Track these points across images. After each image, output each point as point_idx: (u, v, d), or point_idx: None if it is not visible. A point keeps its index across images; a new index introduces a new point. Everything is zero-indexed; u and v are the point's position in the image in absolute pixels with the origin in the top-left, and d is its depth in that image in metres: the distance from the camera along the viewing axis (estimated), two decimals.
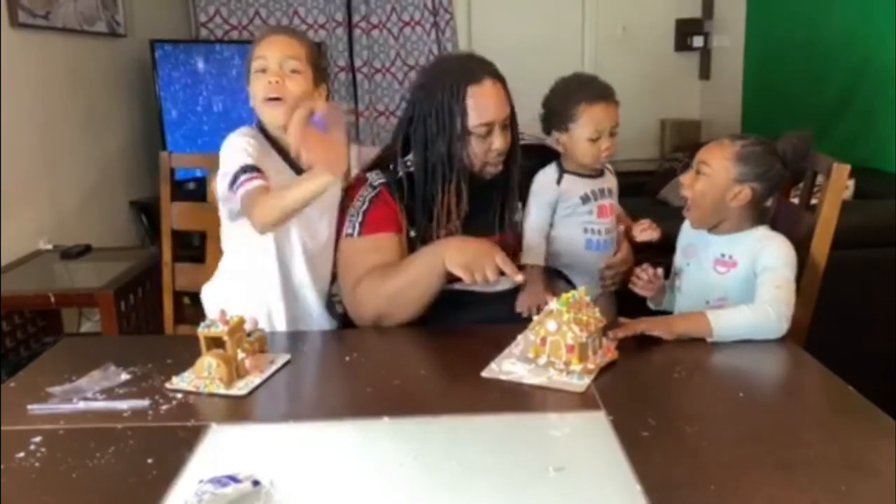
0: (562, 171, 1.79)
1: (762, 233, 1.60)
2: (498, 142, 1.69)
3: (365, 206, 1.73)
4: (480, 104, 1.67)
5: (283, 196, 1.50)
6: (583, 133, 1.72)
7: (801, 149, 1.62)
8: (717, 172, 1.57)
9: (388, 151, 1.82)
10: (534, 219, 1.78)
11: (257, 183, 1.52)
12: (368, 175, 1.79)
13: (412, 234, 1.73)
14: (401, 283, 1.63)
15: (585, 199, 1.78)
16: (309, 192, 1.48)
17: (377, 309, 1.66)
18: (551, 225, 1.80)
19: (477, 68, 1.72)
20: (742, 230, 1.60)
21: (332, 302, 1.82)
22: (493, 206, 1.79)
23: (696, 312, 1.49)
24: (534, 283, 1.70)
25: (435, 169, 1.71)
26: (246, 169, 1.54)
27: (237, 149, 1.59)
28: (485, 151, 1.70)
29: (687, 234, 1.72)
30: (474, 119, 1.66)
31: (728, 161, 1.57)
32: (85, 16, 3.36)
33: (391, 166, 1.77)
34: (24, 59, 2.91)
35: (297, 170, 1.63)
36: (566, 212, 1.79)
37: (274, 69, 1.62)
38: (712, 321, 1.43)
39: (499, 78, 1.73)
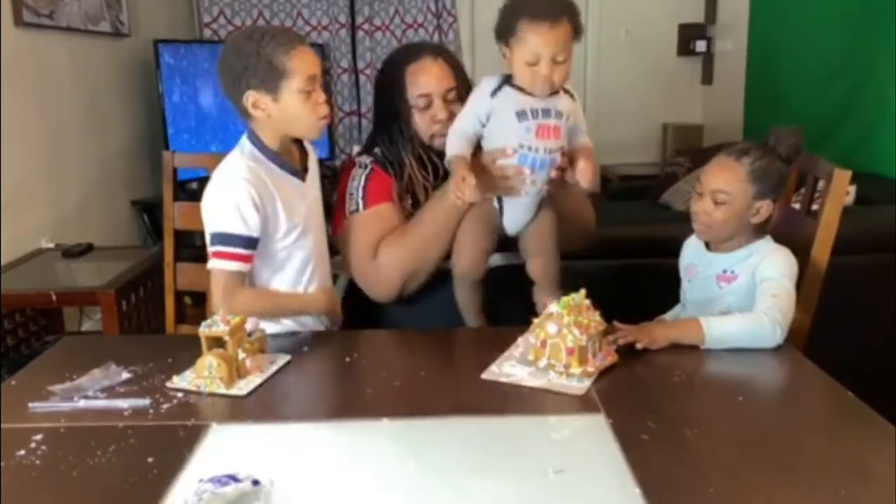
0: (503, 82, 1.60)
1: (763, 245, 1.59)
2: (441, 112, 1.80)
3: (362, 183, 1.82)
4: (416, 78, 1.80)
5: (272, 303, 1.62)
6: (519, 53, 1.54)
7: (798, 145, 1.60)
8: (736, 198, 1.54)
9: (371, 137, 1.94)
10: (459, 125, 1.65)
11: (235, 268, 1.54)
12: (357, 159, 1.88)
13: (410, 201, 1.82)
14: (423, 235, 1.73)
15: (521, 116, 1.58)
16: (297, 312, 1.64)
17: (403, 270, 1.74)
18: (482, 138, 1.65)
19: (419, 49, 1.88)
20: (746, 245, 1.59)
21: None
22: None
23: (689, 319, 1.48)
24: (461, 165, 1.57)
25: (398, 144, 1.83)
26: (235, 241, 1.53)
27: (232, 207, 1.52)
28: (429, 122, 1.81)
29: (687, 255, 1.72)
30: (412, 91, 1.80)
31: (744, 183, 1.54)
32: (89, 15, 3.37)
33: (376, 149, 1.87)
34: (28, 58, 2.92)
35: (293, 171, 1.63)
36: (497, 127, 1.62)
37: (318, 86, 1.58)
38: (704, 328, 1.43)
39: (444, 56, 1.85)
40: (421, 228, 1.74)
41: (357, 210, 1.79)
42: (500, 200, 1.68)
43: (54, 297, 2.37)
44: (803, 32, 3.99)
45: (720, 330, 1.43)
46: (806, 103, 3.93)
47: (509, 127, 1.59)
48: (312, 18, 4.87)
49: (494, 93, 1.61)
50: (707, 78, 5.17)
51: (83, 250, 2.79)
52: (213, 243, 1.55)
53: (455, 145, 1.63)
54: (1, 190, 2.65)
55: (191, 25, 4.79)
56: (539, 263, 1.70)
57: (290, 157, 1.65)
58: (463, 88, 1.84)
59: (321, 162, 2.03)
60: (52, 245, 2.89)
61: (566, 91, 1.63)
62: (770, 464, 1.05)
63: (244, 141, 1.61)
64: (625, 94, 5.19)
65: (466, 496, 1.01)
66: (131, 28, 3.77)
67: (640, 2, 5.10)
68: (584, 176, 1.62)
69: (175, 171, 2.06)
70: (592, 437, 1.15)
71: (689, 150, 4.55)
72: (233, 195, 1.53)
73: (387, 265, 1.74)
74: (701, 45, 5.06)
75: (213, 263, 1.55)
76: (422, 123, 1.82)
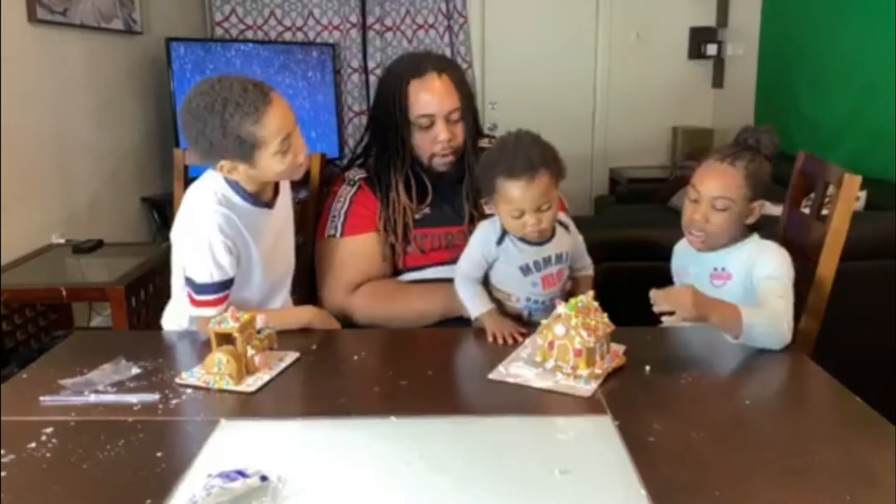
0: (504, 231, 1.60)
1: (755, 241, 1.60)
2: (443, 133, 1.75)
3: (346, 207, 1.81)
4: (421, 97, 1.75)
5: None
6: (503, 207, 1.55)
7: (777, 144, 1.60)
8: (736, 202, 1.56)
9: (361, 147, 1.92)
10: (466, 270, 1.62)
11: (211, 313, 1.50)
12: (347, 174, 1.87)
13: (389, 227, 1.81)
14: (406, 311, 1.75)
15: (525, 271, 1.60)
16: (283, 326, 1.55)
17: (370, 320, 1.78)
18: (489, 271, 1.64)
19: (424, 62, 1.79)
20: (736, 242, 1.60)
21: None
22: (459, 197, 1.84)
23: (729, 305, 1.41)
24: (491, 322, 1.55)
25: (390, 159, 1.79)
26: (211, 288, 1.53)
27: (208, 252, 1.50)
28: (430, 142, 1.77)
29: (678, 257, 1.73)
30: (415, 111, 1.75)
31: (742, 188, 1.56)
32: (102, 13, 3.39)
33: (368, 160, 1.87)
34: (41, 55, 2.94)
35: (262, 203, 1.60)
36: (503, 274, 1.62)
37: (295, 135, 1.53)
38: (745, 321, 1.37)
39: (449, 71, 1.79)
40: (406, 306, 1.76)
41: (335, 235, 1.80)
42: None
43: (64, 293, 2.38)
44: (814, 37, 3.98)
45: (752, 322, 1.39)
46: (817, 108, 3.92)
47: (515, 280, 1.61)
48: (323, 18, 4.88)
49: (500, 241, 1.60)
50: (718, 82, 5.16)
51: (93, 246, 2.80)
52: (187, 285, 1.56)
53: (473, 297, 1.60)
54: (11, 185, 2.67)
55: (203, 24, 4.81)
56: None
57: (263, 191, 1.61)
58: (466, 107, 1.81)
59: (330, 162, 2.04)
60: (62, 241, 2.91)
61: (561, 223, 1.64)
62: (776, 467, 1.05)
63: (218, 179, 1.55)
64: (635, 96, 5.19)
65: (472, 495, 1.02)
66: (144, 26, 3.79)
67: (651, 5, 5.09)
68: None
69: (186, 168, 2.07)
70: (599, 439, 1.15)
71: (699, 153, 4.52)
72: (207, 246, 1.50)
73: (359, 309, 1.78)
74: (712, 49, 5.05)
75: (190, 310, 1.57)
76: (422, 143, 1.79)
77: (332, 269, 1.81)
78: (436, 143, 1.77)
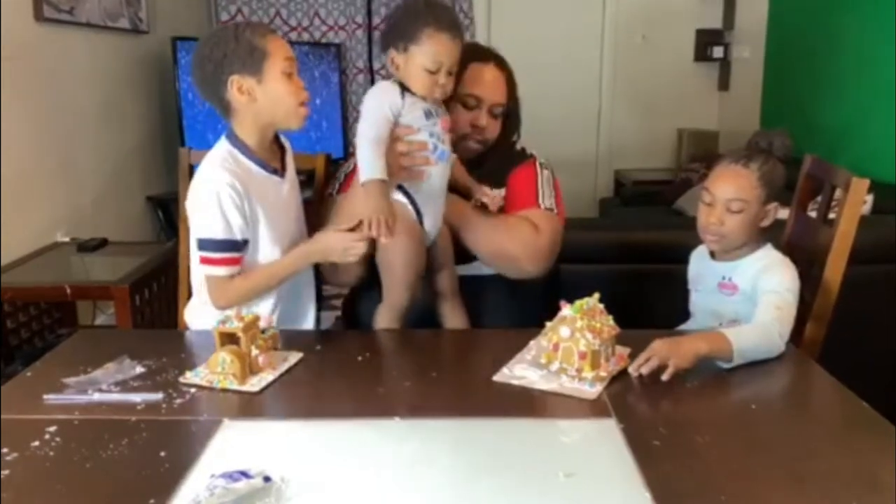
0: (403, 88, 1.60)
1: (765, 256, 1.59)
2: (483, 120, 1.78)
3: (349, 169, 1.84)
4: (473, 77, 1.77)
5: (264, 276, 1.59)
6: (422, 60, 1.55)
7: (790, 146, 1.62)
8: (751, 204, 1.56)
9: None
10: (371, 133, 1.56)
11: (226, 272, 1.56)
12: None
13: None
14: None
15: (428, 115, 1.61)
16: (291, 269, 1.60)
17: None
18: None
19: (488, 52, 1.85)
20: (750, 253, 1.60)
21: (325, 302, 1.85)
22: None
23: (715, 333, 1.41)
24: (374, 196, 1.52)
25: None
26: (222, 246, 1.55)
27: (215, 203, 1.53)
28: (467, 123, 1.78)
29: (694, 265, 1.73)
30: (465, 87, 1.75)
31: (756, 189, 1.56)
32: (108, 12, 3.40)
33: None
34: (47, 53, 2.94)
35: (272, 170, 1.63)
36: (406, 121, 1.61)
37: (296, 73, 1.59)
38: (733, 344, 1.36)
39: (504, 68, 1.83)
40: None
41: (332, 193, 1.84)
42: (414, 205, 1.63)
43: (69, 291, 2.39)
44: (821, 40, 3.98)
45: (744, 344, 1.38)
46: (823, 111, 3.92)
47: (420, 124, 1.61)
48: (329, 18, 4.89)
49: (403, 94, 1.59)
50: (724, 84, 5.15)
51: (98, 245, 2.80)
52: (200, 248, 1.57)
53: (373, 160, 1.54)
54: (16, 183, 2.67)
55: (209, 23, 4.82)
56: (446, 276, 1.70)
57: (269, 156, 1.64)
58: (510, 107, 1.85)
59: (334, 162, 2.04)
60: (67, 239, 2.91)
61: None
62: (781, 472, 1.05)
63: (223, 142, 1.61)
64: (641, 98, 5.19)
65: (476, 496, 1.01)
66: (150, 25, 3.80)
67: (657, 7, 5.08)
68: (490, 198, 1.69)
69: (191, 167, 2.07)
70: (603, 442, 1.15)
71: (705, 155, 4.54)
72: (216, 201, 1.53)
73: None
74: (718, 52, 5.05)
75: (201, 270, 1.59)
76: (462, 121, 1.78)
77: (328, 224, 1.79)
78: (475, 128, 1.79)
